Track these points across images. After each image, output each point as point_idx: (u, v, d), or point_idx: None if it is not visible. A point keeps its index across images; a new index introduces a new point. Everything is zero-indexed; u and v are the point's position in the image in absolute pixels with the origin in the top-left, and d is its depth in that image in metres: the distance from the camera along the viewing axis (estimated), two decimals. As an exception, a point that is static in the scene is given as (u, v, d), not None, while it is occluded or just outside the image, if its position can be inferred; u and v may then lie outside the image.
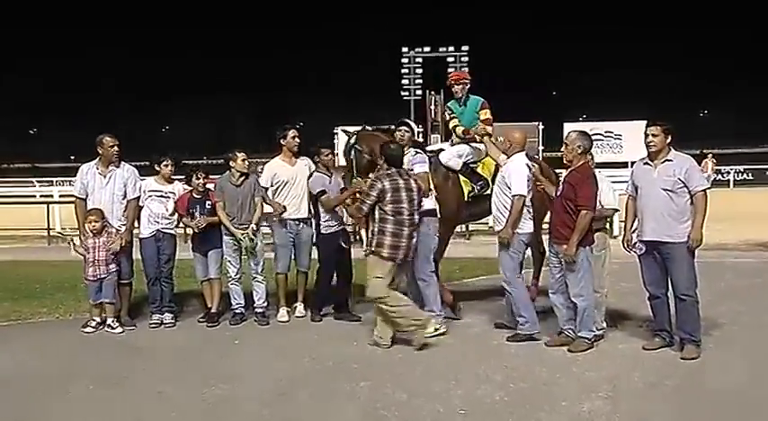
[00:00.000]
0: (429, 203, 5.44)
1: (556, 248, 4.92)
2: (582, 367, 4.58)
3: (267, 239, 6.29)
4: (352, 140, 5.77)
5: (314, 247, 6.18)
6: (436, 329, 5.25)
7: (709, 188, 4.83)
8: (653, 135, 4.73)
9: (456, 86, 6.21)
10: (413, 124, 5.97)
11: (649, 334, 5.09)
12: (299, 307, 6.19)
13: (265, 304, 6.04)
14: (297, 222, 6.05)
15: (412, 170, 5.39)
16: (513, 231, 5.09)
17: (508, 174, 5.16)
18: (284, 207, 5.97)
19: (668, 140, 4.74)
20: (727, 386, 4.19)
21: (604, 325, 5.16)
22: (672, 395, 4.11)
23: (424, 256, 5.42)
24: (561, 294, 5.00)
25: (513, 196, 5.07)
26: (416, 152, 5.63)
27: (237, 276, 6.01)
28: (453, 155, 5.98)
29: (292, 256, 6.13)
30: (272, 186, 6.04)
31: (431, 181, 5.61)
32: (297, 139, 6.13)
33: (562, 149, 4.99)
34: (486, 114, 6.09)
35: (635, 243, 4.88)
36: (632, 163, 5.77)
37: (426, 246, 5.42)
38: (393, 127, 5.79)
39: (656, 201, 4.72)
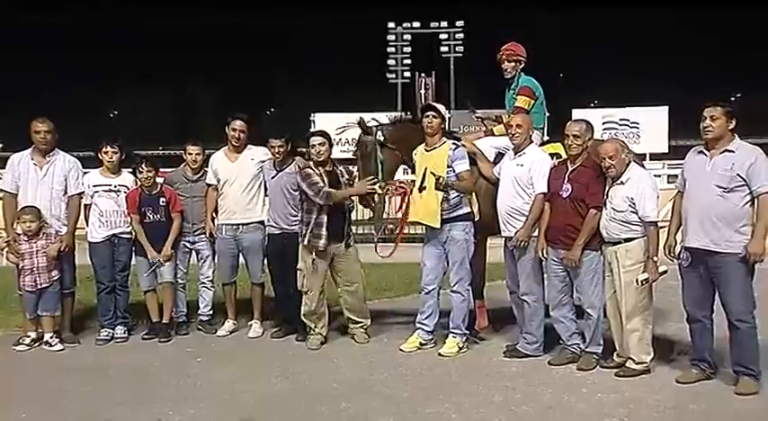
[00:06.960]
0: (464, 207, 5.35)
1: (562, 255, 4.96)
2: (592, 388, 4.62)
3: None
4: (379, 136, 5.49)
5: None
6: (460, 348, 5.40)
7: None
8: (711, 118, 4.38)
9: (507, 63, 5.77)
10: (442, 108, 5.44)
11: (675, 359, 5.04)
12: (255, 325, 6.13)
13: (211, 312, 6.23)
14: (235, 227, 6.01)
15: (451, 168, 5.24)
16: (530, 233, 5.09)
17: (532, 168, 5.08)
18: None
19: (730, 126, 4.40)
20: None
21: (601, 342, 5.11)
22: None
23: (463, 266, 5.37)
24: (564, 306, 5.09)
25: (538, 194, 5.06)
26: (456, 146, 5.34)
27: (183, 282, 6.19)
28: (488, 147, 5.64)
29: (240, 265, 6.19)
30: (218, 183, 6.05)
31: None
32: (241, 133, 5.97)
33: (568, 142, 4.97)
34: (519, 101, 5.63)
35: (679, 251, 4.63)
36: (650, 155, 5.74)
37: (466, 253, 5.35)
38: (419, 114, 5.46)
39: (706, 199, 4.40)
